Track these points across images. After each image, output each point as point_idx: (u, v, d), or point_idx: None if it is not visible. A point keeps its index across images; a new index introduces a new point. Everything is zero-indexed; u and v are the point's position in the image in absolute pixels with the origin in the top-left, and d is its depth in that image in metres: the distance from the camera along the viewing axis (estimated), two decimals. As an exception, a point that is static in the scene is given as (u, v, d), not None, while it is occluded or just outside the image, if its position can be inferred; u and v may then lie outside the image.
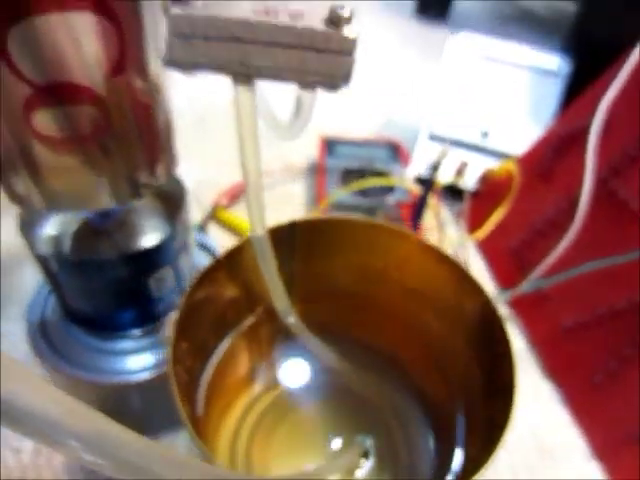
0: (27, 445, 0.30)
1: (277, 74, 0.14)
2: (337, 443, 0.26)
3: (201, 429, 0.22)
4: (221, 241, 0.44)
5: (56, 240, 0.26)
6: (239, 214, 0.46)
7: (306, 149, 0.55)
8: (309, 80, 0.15)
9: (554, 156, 0.43)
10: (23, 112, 0.17)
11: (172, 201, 0.27)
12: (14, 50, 0.16)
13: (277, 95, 0.25)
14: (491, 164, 0.48)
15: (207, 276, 0.21)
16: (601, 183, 0.38)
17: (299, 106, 0.18)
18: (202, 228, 0.44)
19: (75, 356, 0.28)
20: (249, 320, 0.25)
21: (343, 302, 0.26)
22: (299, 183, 0.53)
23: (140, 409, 0.29)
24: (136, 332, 0.28)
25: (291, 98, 0.20)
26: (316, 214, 0.41)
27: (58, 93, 0.18)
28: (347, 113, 0.64)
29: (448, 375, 0.25)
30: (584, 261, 0.36)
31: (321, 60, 0.14)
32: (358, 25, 0.14)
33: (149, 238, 0.25)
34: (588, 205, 0.37)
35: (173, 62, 0.15)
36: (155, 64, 0.22)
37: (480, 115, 0.51)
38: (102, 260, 0.25)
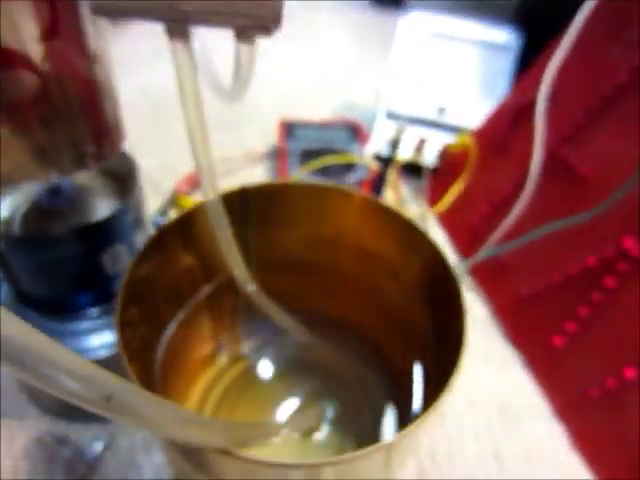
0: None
1: (207, 18, 0.14)
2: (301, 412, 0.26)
3: (165, 396, 0.22)
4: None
5: (6, 222, 0.25)
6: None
7: (266, 135, 0.55)
8: (239, 23, 0.15)
9: (508, 129, 0.44)
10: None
11: (122, 177, 0.27)
12: None
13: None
14: (449, 140, 0.49)
15: (158, 241, 0.20)
16: (551, 151, 0.39)
17: (238, 64, 0.18)
18: (163, 213, 0.43)
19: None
20: (206, 290, 0.24)
21: (300, 271, 0.26)
22: (260, 168, 0.52)
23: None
24: (93, 312, 0.28)
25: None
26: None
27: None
28: (306, 97, 0.64)
29: (407, 336, 0.25)
30: (536, 227, 0.37)
31: (250, 6, 0.14)
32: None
33: (99, 212, 0.25)
34: (539, 173, 0.38)
35: (101, 9, 0.14)
36: (94, 36, 0.21)
37: (435, 91, 0.52)
38: (53, 237, 0.24)
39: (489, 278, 0.43)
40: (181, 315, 0.23)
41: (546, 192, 0.39)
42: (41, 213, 0.26)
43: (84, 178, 0.28)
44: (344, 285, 0.26)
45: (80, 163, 0.21)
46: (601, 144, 0.37)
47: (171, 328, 0.23)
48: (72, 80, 0.20)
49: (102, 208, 0.26)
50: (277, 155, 0.51)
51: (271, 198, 0.24)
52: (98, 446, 0.29)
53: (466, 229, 0.45)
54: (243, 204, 0.24)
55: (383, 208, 0.23)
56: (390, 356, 0.26)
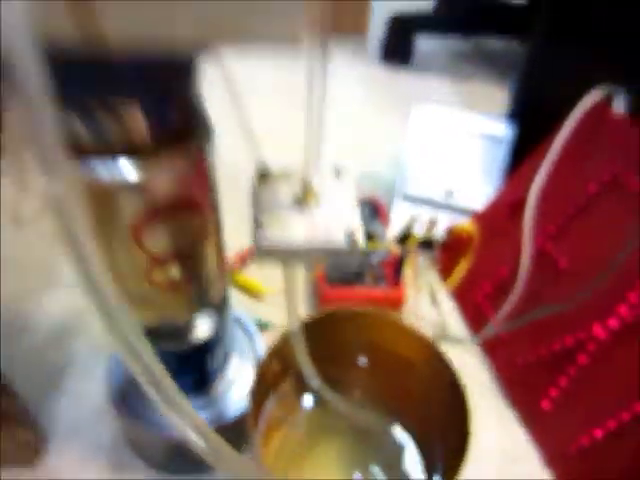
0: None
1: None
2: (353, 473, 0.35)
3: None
4: (238, 300, 0.53)
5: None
6: (250, 275, 0.55)
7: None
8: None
9: (505, 218, 0.54)
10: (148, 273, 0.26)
11: (221, 301, 0.36)
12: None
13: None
14: (457, 219, 0.59)
15: (265, 362, 0.30)
16: (539, 246, 0.48)
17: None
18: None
19: (147, 415, 0.36)
20: (284, 383, 0.34)
21: (351, 367, 0.36)
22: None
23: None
24: (191, 395, 0.37)
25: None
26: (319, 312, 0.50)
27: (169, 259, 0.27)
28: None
29: (428, 419, 0.35)
30: (529, 311, 0.46)
31: (346, 261, 0.23)
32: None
33: (203, 332, 0.34)
34: (528, 268, 0.47)
35: (264, 253, 0.23)
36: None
37: (444, 176, 0.62)
38: (172, 352, 0.33)
39: (492, 349, 0.52)
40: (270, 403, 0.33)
41: (536, 280, 0.48)
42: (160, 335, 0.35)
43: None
44: (385, 378, 0.36)
45: (206, 303, 0.31)
46: (577, 243, 0.46)
47: (264, 414, 0.32)
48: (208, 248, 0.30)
49: (204, 329, 0.35)
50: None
51: (326, 323, 0.34)
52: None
53: (473, 305, 0.54)
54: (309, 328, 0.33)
55: (413, 332, 0.33)
56: (418, 428, 0.36)
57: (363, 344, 0.35)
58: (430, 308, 0.55)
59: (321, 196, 0.24)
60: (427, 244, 0.60)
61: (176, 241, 0.26)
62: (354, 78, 1.02)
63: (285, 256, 0.23)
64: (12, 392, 0.38)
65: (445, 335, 0.52)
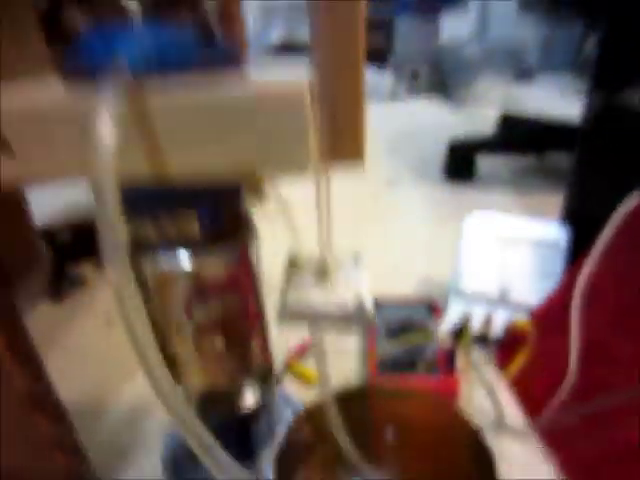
0: None
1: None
2: None
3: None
4: (292, 385, 0.56)
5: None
6: (307, 367, 0.58)
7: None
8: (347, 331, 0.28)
9: (559, 316, 0.54)
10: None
11: (265, 373, 0.40)
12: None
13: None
14: (513, 316, 0.59)
15: (294, 428, 0.32)
16: (593, 335, 0.47)
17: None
18: (278, 380, 0.56)
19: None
20: (316, 455, 0.35)
21: (383, 445, 0.37)
22: (354, 338, 0.64)
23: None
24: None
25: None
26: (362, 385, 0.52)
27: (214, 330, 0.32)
28: (388, 275, 0.77)
29: None
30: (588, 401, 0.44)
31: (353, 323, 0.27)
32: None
33: (250, 402, 0.38)
34: (578, 367, 0.46)
35: (285, 317, 0.28)
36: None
37: (499, 275, 0.63)
38: (222, 421, 0.37)
39: (555, 444, 0.49)
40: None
41: (593, 369, 0.46)
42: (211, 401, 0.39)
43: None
44: (419, 455, 0.36)
45: (247, 373, 0.35)
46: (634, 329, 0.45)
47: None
48: (247, 319, 0.35)
49: (250, 398, 0.38)
50: (367, 330, 0.63)
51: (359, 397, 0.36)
52: None
53: (532, 399, 0.53)
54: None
55: (456, 413, 0.34)
56: None
57: (398, 422, 0.36)
58: (485, 400, 0.53)
59: (338, 276, 0.29)
60: (483, 339, 0.60)
61: (221, 316, 0.32)
62: (419, 196, 1.09)
63: (304, 318, 0.27)
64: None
65: (502, 424, 0.50)
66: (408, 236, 0.91)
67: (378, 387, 0.36)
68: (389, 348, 0.56)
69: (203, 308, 0.32)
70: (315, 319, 0.28)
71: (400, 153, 1.32)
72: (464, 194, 1.09)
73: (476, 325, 0.59)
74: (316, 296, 0.28)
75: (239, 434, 0.38)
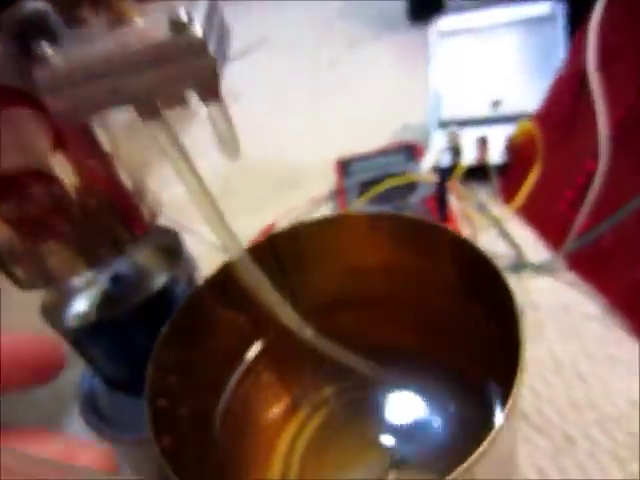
0: None
1: (152, 94, 0.15)
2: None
3: (242, 461, 0.22)
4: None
5: (85, 315, 0.28)
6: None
7: (327, 176, 0.55)
8: (182, 90, 0.15)
9: (571, 101, 0.40)
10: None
11: (170, 251, 0.29)
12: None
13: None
14: (512, 130, 0.45)
15: (190, 306, 0.21)
16: (631, 101, 0.34)
17: (215, 124, 0.18)
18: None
19: (125, 421, 0.29)
20: (258, 346, 0.24)
21: (347, 308, 0.25)
22: (323, 210, 0.52)
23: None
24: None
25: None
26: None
27: (11, 183, 0.20)
28: (359, 131, 0.64)
29: (472, 352, 0.23)
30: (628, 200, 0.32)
31: (183, 69, 0.14)
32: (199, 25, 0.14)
33: (155, 285, 0.27)
34: (609, 147, 0.33)
35: (60, 114, 0.16)
36: (105, 135, 0.23)
37: (486, 86, 0.49)
38: (119, 317, 0.26)
39: (594, 269, 0.37)
40: (234, 378, 0.23)
41: (627, 160, 0.33)
42: (110, 300, 0.28)
43: (141, 259, 0.30)
44: (398, 313, 0.25)
45: (114, 250, 0.23)
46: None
47: (227, 394, 0.23)
48: (90, 181, 0.22)
49: (157, 279, 0.27)
50: (336, 195, 0.50)
51: (298, 240, 0.23)
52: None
53: (555, 218, 0.41)
54: (274, 252, 0.24)
55: (413, 222, 0.22)
56: (463, 375, 0.24)
57: (371, 266, 0.24)
58: (497, 241, 0.42)
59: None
60: (482, 171, 0.47)
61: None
62: (384, 48, 0.92)
63: (96, 91, 0.14)
64: None
65: (522, 264, 0.38)
66: (377, 93, 0.76)
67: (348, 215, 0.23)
68: (363, 206, 0.44)
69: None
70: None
71: (359, 11, 1.13)
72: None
73: (468, 155, 0.46)
74: (105, 44, 0.14)
75: (153, 332, 0.27)
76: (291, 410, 0.27)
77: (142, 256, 0.30)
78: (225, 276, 0.22)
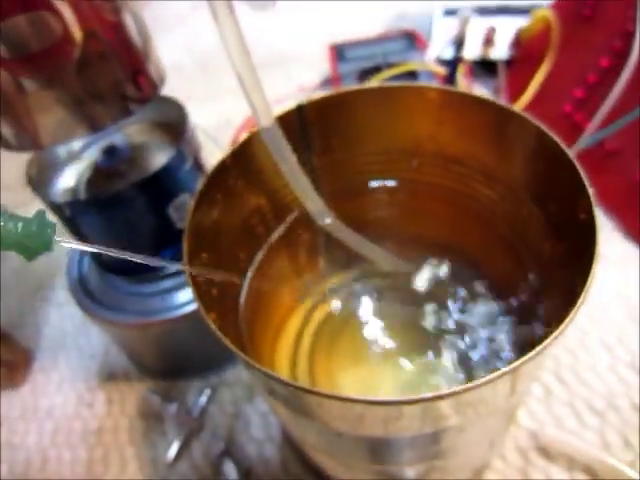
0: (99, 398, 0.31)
1: None
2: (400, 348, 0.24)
3: (254, 346, 0.21)
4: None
5: (73, 190, 0.25)
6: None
7: (319, 64, 0.51)
8: None
9: (595, -10, 0.37)
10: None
11: (172, 125, 0.25)
12: None
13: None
14: (523, 23, 0.42)
15: (216, 179, 0.18)
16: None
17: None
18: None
19: (118, 303, 0.27)
20: (280, 229, 0.22)
21: (376, 194, 0.23)
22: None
23: (194, 343, 0.28)
24: (172, 269, 0.27)
25: None
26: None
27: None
28: (355, 18, 0.58)
29: (513, 248, 0.22)
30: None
31: None
32: None
33: (155, 162, 0.24)
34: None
35: None
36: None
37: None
38: (115, 196, 0.23)
39: (595, 170, 0.37)
40: (257, 258, 0.22)
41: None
42: (102, 175, 0.25)
43: (137, 134, 0.27)
44: (431, 201, 0.23)
45: (122, 109, 0.20)
46: None
47: (249, 273, 0.21)
48: (98, 24, 0.18)
49: (157, 157, 0.24)
50: (331, 83, 0.47)
51: (332, 111, 0.21)
52: (202, 400, 0.29)
53: (562, 118, 0.39)
54: (302, 125, 0.21)
55: (465, 95, 0.20)
56: (497, 272, 0.23)
57: (394, 148, 0.22)
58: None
59: None
60: (487, 66, 0.44)
61: None
62: None
63: None
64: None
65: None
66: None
67: (356, 93, 0.20)
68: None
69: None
70: None
71: None
72: None
73: (473, 48, 0.43)
74: None
75: (153, 215, 0.25)
76: (297, 299, 0.26)
77: (140, 128, 0.26)
78: (249, 149, 0.20)
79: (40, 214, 0.12)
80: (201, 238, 0.17)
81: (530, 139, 0.18)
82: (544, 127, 0.18)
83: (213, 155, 0.22)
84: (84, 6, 0.18)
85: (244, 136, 0.20)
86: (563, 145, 0.17)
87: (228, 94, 0.48)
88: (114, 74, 0.19)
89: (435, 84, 0.19)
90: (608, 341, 0.29)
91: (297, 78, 0.51)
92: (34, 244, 0.11)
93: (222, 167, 0.19)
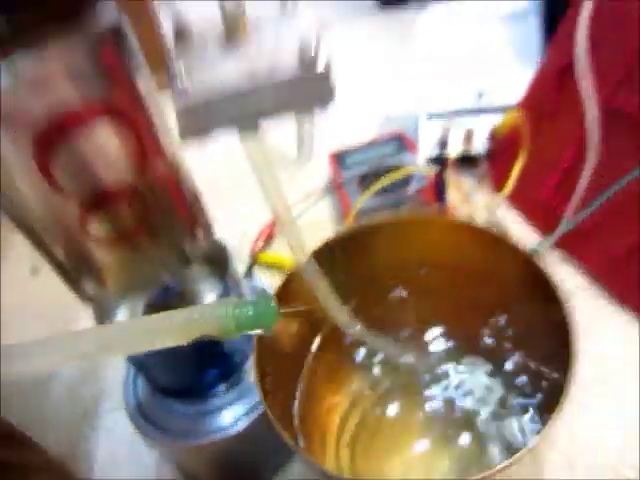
0: None
1: (276, 111, 0.16)
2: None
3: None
4: (269, 279, 0.46)
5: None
6: (277, 252, 0.48)
7: (320, 171, 0.56)
8: (303, 108, 0.16)
9: (554, 92, 0.44)
10: (80, 225, 0.20)
11: (219, 261, 0.30)
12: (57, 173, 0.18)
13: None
14: (496, 121, 0.49)
15: None
16: (605, 102, 0.38)
17: (300, 135, 0.20)
18: (248, 274, 0.46)
19: (173, 425, 0.30)
20: (316, 342, 0.26)
21: (391, 298, 0.28)
22: (323, 204, 0.54)
23: (247, 457, 0.30)
24: (221, 389, 0.30)
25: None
26: (346, 226, 0.42)
27: (103, 201, 0.20)
28: (347, 125, 0.65)
29: (510, 334, 0.26)
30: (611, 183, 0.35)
31: (307, 92, 0.16)
32: (325, 53, 0.15)
33: (206, 298, 0.28)
34: (598, 130, 0.36)
35: (186, 133, 0.16)
36: (168, 144, 0.24)
37: (470, 79, 0.52)
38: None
39: (578, 247, 0.41)
40: (305, 370, 0.25)
41: (609, 146, 0.37)
42: (156, 310, 0.29)
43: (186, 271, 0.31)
44: (438, 301, 0.27)
45: (184, 261, 0.24)
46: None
47: (300, 385, 0.25)
48: (165, 191, 0.23)
49: (206, 292, 0.28)
50: (334, 188, 0.52)
51: (352, 240, 0.25)
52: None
53: (540, 204, 0.44)
54: (329, 253, 0.25)
55: (464, 224, 0.24)
56: (500, 356, 0.27)
57: (407, 261, 0.27)
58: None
59: (260, 34, 0.17)
60: (469, 161, 0.50)
61: (102, 173, 0.20)
62: (354, 29, 0.91)
63: (220, 112, 0.16)
64: (41, 448, 0.33)
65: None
66: (354, 83, 0.77)
67: (374, 226, 0.25)
68: (366, 200, 0.46)
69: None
70: (238, 105, 0.16)
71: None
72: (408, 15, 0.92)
73: (456, 146, 0.50)
74: (228, 67, 0.16)
75: (205, 343, 0.28)
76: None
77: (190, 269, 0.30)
78: (289, 283, 0.24)
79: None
80: (264, 363, 0.21)
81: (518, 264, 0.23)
82: (528, 253, 0.22)
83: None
84: (154, 177, 0.23)
85: (283, 277, 0.24)
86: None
87: (237, 207, 0.53)
88: (176, 230, 0.24)
89: (437, 215, 0.24)
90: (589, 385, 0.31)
91: (304, 185, 0.56)
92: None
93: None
